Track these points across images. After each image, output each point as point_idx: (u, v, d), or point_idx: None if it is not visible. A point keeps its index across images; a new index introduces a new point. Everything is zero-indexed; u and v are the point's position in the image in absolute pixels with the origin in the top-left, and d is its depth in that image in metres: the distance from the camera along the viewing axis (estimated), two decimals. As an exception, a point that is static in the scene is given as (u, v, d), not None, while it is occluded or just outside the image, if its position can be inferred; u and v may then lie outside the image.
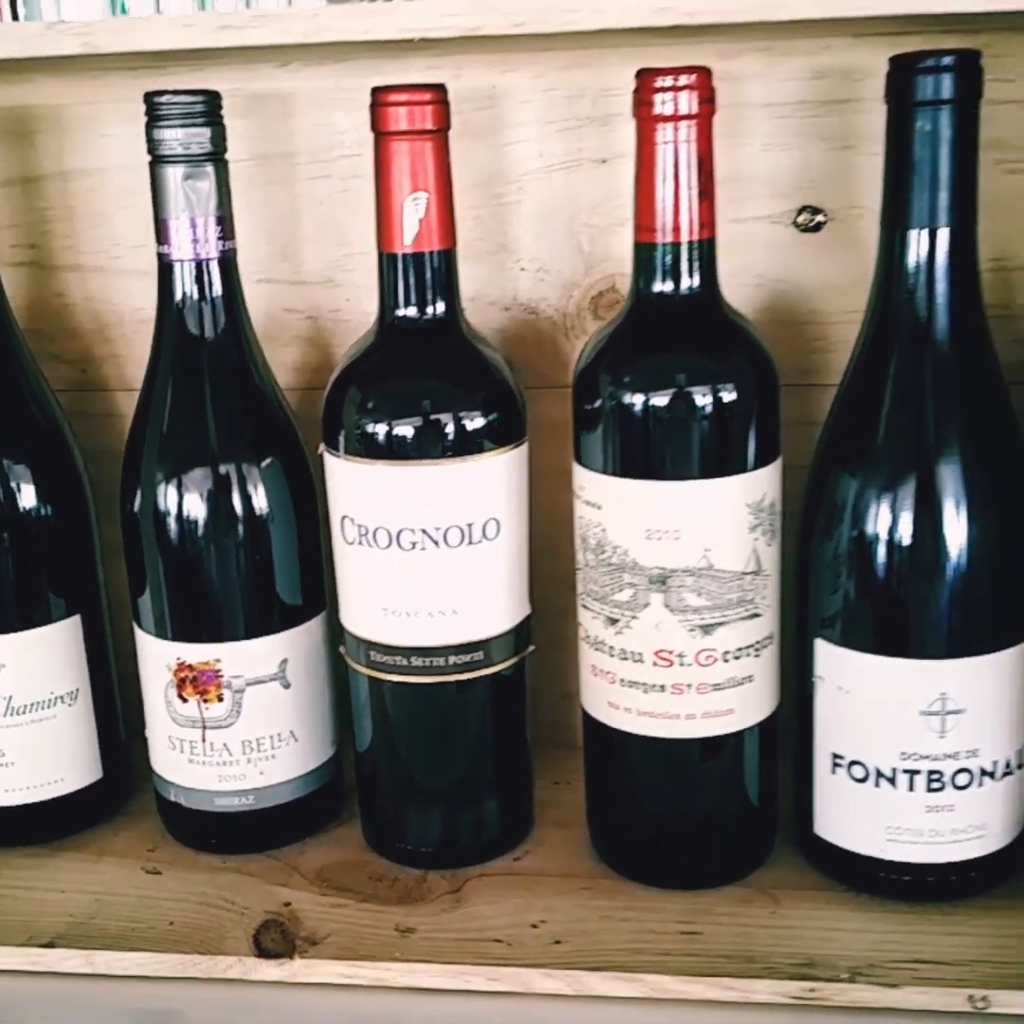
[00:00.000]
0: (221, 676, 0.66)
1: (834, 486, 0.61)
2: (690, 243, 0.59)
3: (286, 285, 0.74)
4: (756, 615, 0.61)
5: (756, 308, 0.70)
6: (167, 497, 0.65)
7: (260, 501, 0.65)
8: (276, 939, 0.62)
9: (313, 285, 0.73)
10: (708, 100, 0.57)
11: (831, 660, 0.62)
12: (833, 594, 0.61)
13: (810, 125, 0.68)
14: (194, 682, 0.67)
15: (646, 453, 0.59)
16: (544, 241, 0.71)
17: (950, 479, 0.58)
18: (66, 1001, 0.62)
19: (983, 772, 0.61)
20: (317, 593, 0.68)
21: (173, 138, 0.61)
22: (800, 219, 0.69)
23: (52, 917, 0.65)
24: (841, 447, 0.61)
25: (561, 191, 0.70)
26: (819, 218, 0.69)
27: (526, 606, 0.66)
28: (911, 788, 0.61)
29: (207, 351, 0.65)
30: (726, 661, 0.61)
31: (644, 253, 0.59)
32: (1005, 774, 0.61)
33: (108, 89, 0.70)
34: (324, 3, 0.56)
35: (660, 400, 0.58)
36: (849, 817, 0.63)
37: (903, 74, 0.56)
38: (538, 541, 0.67)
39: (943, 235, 0.57)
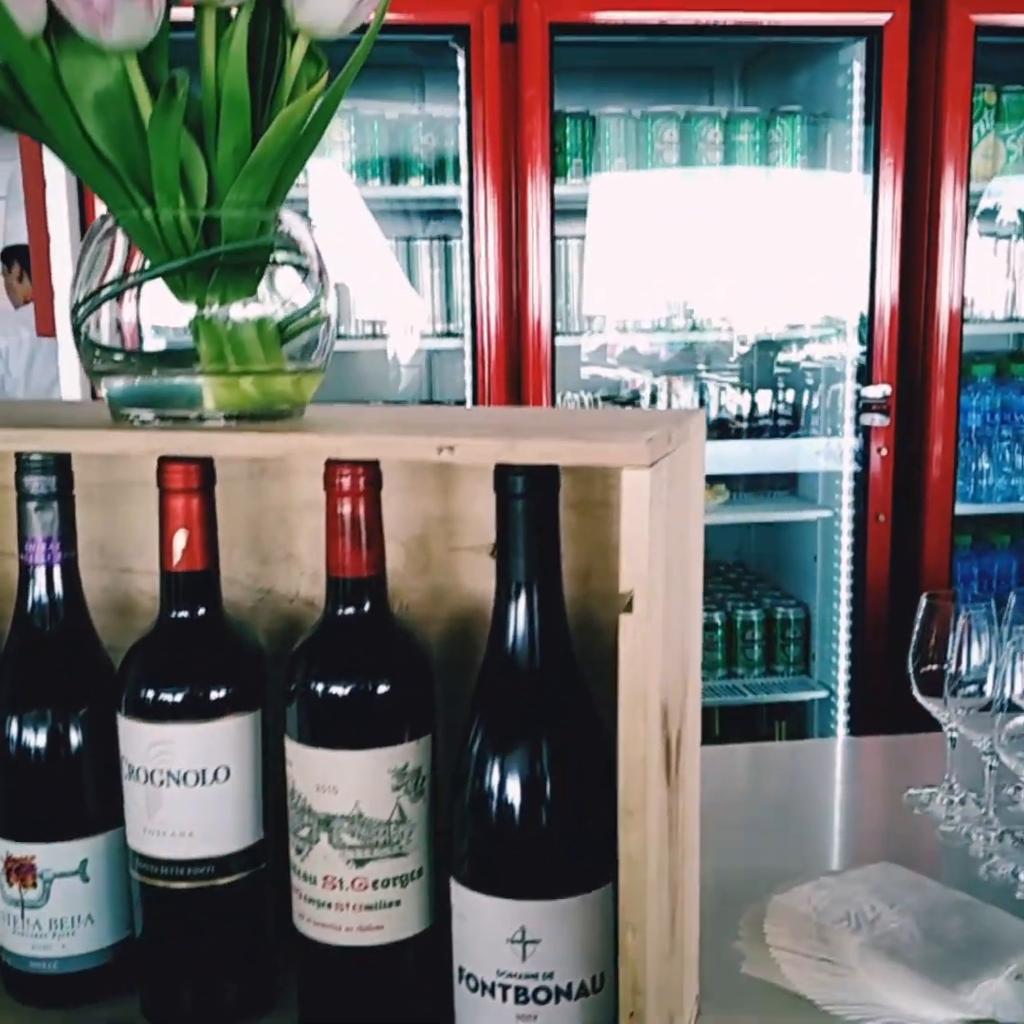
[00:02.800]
0: (35, 868, 0.89)
1: (460, 758, 0.82)
2: (360, 578, 0.82)
3: (140, 574, 1.00)
4: (402, 854, 0.82)
5: (464, 611, 0.93)
6: (5, 733, 0.89)
7: (74, 739, 0.90)
8: (36, 1073, 0.84)
9: (157, 575, 0.99)
10: (371, 483, 0.81)
11: (456, 894, 0.82)
12: (459, 842, 0.82)
13: (504, 484, 0.91)
14: (17, 871, 0.90)
15: (313, 727, 0.81)
16: (318, 554, 0.95)
17: (532, 761, 0.79)
18: None
19: (559, 991, 0.79)
20: (117, 811, 0.91)
21: (29, 484, 0.88)
22: (493, 552, 0.92)
23: None
24: (466, 728, 0.82)
25: (329, 520, 0.95)
26: (509, 552, 0.91)
27: (258, 832, 0.88)
28: (504, 999, 0.80)
29: (49, 626, 0.90)
30: (376, 888, 0.82)
31: (330, 583, 0.83)
32: (580, 995, 0.80)
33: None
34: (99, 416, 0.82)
35: (320, 688, 0.81)
36: (471, 1018, 0.82)
37: (499, 476, 0.79)
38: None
39: (532, 586, 0.80)
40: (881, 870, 1.05)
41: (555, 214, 2.58)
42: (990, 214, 3.28)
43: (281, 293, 0.82)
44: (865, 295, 2.74)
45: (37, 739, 0.89)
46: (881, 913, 0.96)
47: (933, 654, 1.29)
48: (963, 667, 1.25)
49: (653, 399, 3.25)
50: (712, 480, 3.15)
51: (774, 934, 0.93)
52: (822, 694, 3.06)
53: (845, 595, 2.90)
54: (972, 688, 1.24)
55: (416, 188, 2.80)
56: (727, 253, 2.96)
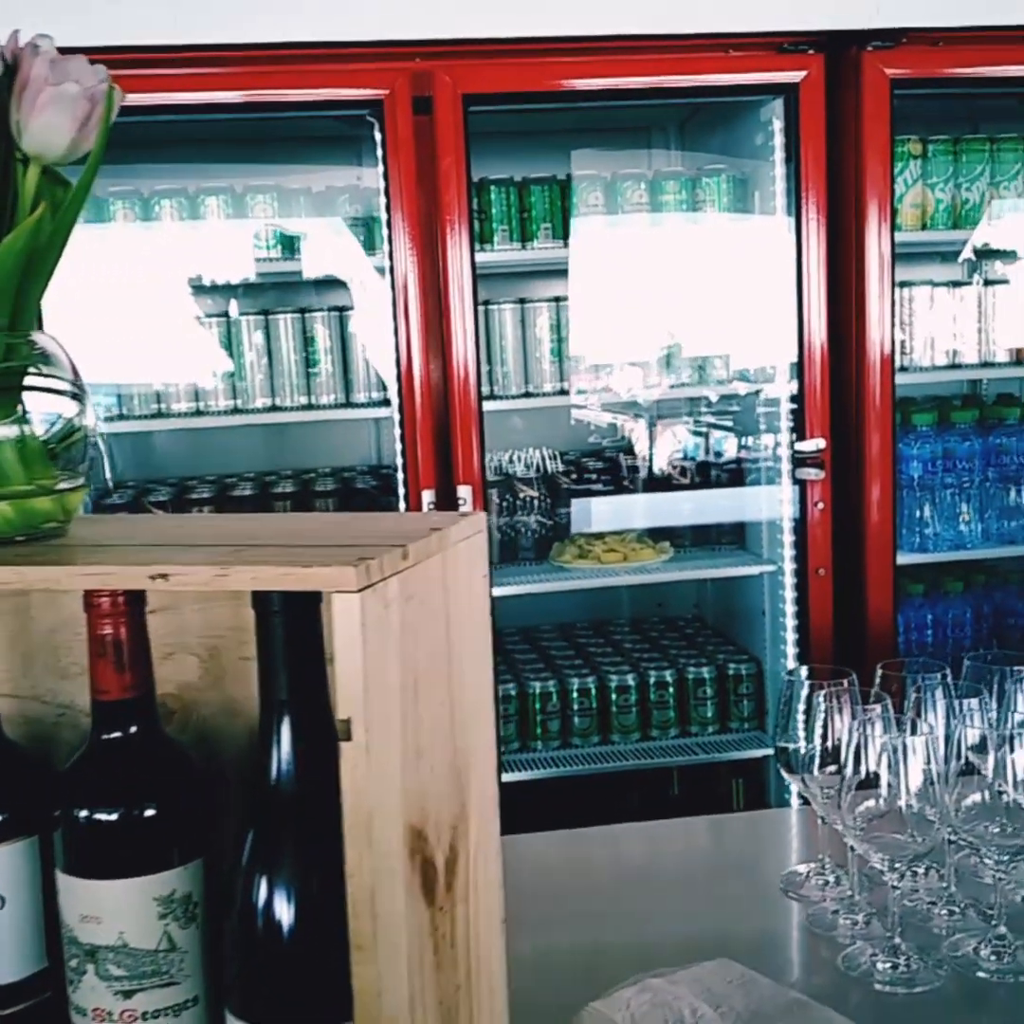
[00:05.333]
0: None
1: (229, 883, 0.80)
2: (125, 700, 0.81)
3: None
4: (173, 983, 0.80)
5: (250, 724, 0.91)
6: None
7: None
8: None
9: None
10: (130, 603, 0.80)
11: (228, 1023, 0.79)
12: (229, 970, 0.79)
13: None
14: None
15: (74, 856, 0.80)
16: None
17: (288, 890, 0.77)
18: None
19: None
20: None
21: None
22: (286, 661, 0.90)
23: None
24: (236, 852, 0.80)
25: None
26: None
27: (41, 960, 0.86)
28: None
29: None
30: (146, 1019, 0.80)
31: (94, 706, 0.81)
32: None
33: None
34: None
35: (77, 816, 0.79)
36: None
37: (254, 593, 0.78)
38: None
39: (293, 704, 0.78)
40: (715, 968, 1.02)
41: (477, 281, 2.59)
42: (930, 262, 3.28)
43: (40, 412, 0.82)
44: (795, 347, 2.74)
45: None
46: (702, 1017, 0.93)
47: (796, 731, 1.26)
48: (827, 745, 1.23)
49: (600, 455, 3.25)
50: (657, 536, 3.13)
51: (584, 1045, 0.90)
52: (776, 750, 3.02)
53: (791, 650, 2.87)
54: (833, 767, 1.22)
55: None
56: (663, 310, 2.97)
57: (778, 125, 2.72)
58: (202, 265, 2.79)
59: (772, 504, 2.91)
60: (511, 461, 3.29)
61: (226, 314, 2.87)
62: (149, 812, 0.80)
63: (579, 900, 1.34)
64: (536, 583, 2.89)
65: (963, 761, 1.15)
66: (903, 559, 2.89)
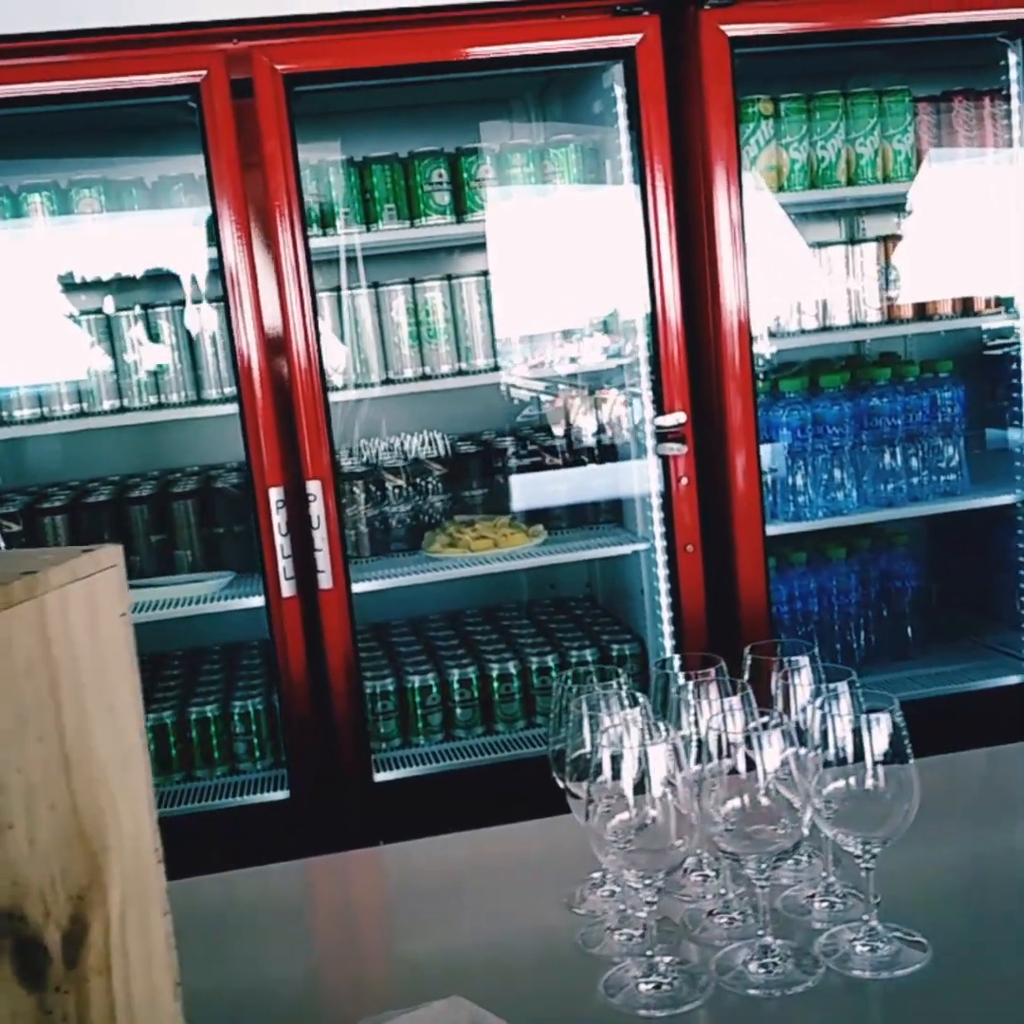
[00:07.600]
0: None
1: None
2: None
3: None
4: None
5: None
6: None
7: None
8: None
9: None
10: None
11: None
12: None
13: None
14: None
15: None
16: None
17: None
18: None
19: None
20: None
21: None
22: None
23: None
24: None
25: None
26: None
27: None
28: None
29: None
30: None
31: None
32: None
33: None
34: None
35: None
36: None
37: None
38: None
39: None
40: (444, 1008, 0.95)
41: (312, 267, 2.49)
42: (793, 224, 3.22)
43: None
44: (649, 319, 2.67)
45: None
46: (410, 1068, 0.86)
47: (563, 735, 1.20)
48: (589, 751, 1.16)
49: (475, 438, 3.17)
50: (534, 518, 3.06)
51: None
52: (661, 730, 2.96)
53: (667, 628, 2.81)
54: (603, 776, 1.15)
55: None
56: (524, 287, 2.89)
57: (620, 91, 2.64)
58: (34, 266, 2.67)
59: (641, 480, 2.84)
60: (389, 451, 3.20)
61: (70, 315, 2.76)
62: None
63: (351, 922, 1.27)
64: (400, 577, 2.81)
65: (723, 762, 1.09)
66: (778, 529, 2.85)
